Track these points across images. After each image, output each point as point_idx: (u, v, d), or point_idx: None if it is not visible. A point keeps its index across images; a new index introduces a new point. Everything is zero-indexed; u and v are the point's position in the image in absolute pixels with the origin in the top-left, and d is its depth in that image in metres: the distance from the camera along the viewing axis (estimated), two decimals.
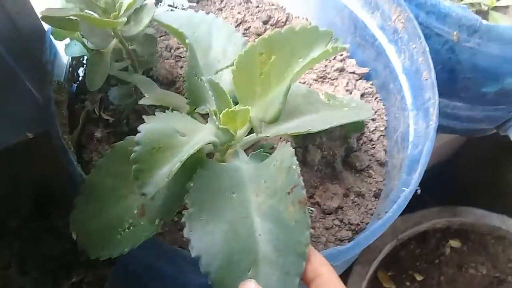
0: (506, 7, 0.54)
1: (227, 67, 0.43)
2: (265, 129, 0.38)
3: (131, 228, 0.33)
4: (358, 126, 0.49)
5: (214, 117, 0.33)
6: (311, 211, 0.44)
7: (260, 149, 0.38)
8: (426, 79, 0.44)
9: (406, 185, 0.40)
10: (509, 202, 1.30)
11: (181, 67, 0.51)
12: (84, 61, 0.49)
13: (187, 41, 0.36)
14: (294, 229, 0.30)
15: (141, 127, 0.29)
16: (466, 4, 0.52)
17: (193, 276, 0.36)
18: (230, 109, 0.33)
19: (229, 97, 0.35)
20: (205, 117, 0.40)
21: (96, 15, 0.34)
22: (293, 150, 0.32)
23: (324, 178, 0.48)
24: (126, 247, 0.32)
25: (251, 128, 0.37)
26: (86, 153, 0.45)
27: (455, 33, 0.46)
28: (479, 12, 0.53)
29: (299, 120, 0.39)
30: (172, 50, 0.53)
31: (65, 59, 0.47)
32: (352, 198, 0.47)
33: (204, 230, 0.30)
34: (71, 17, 0.36)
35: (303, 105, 0.40)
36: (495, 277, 1.22)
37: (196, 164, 0.32)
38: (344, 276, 1.13)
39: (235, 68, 0.35)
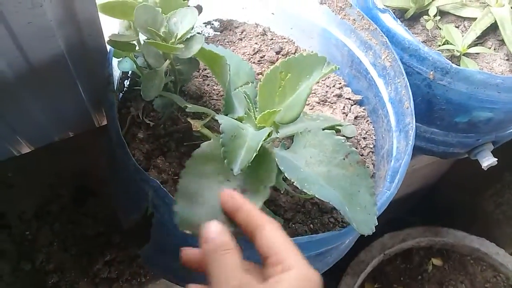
0: (477, 53, 0.65)
1: (242, 85, 0.55)
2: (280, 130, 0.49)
3: None
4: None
5: (253, 118, 0.45)
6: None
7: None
8: (407, 108, 0.55)
9: (388, 189, 0.51)
10: (483, 227, 1.39)
11: (208, 84, 0.62)
12: (129, 75, 0.60)
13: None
14: (358, 178, 0.45)
15: (220, 120, 0.40)
16: (442, 49, 0.63)
17: None
18: (268, 111, 0.44)
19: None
20: None
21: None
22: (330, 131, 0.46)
23: None
24: None
25: None
26: (130, 150, 0.55)
27: (431, 72, 0.57)
28: (454, 57, 0.65)
29: (296, 126, 0.50)
30: (200, 71, 0.63)
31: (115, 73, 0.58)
32: None
33: None
34: (132, 41, 0.47)
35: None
36: None
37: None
38: (333, 287, 1.21)
39: (263, 83, 0.46)
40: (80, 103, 0.60)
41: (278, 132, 0.49)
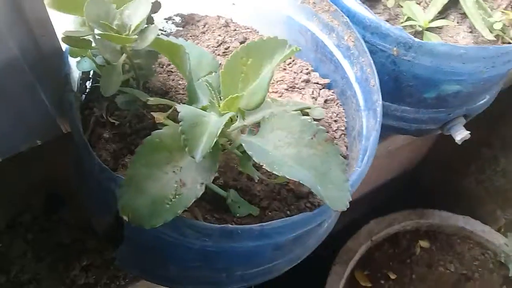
0: (440, 28, 0.65)
1: (205, 75, 0.53)
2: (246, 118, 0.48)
3: (177, 196, 0.41)
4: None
5: (216, 105, 0.44)
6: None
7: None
8: (373, 85, 0.54)
9: (359, 167, 0.50)
10: (467, 205, 1.41)
11: (173, 79, 0.61)
12: (90, 75, 0.59)
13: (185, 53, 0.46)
14: (328, 156, 0.44)
15: (179, 109, 0.40)
16: (405, 26, 0.63)
17: (194, 240, 0.45)
18: (230, 96, 0.43)
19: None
20: None
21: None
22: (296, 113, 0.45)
23: None
24: (178, 210, 0.40)
25: None
26: (96, 151, 0.54)
27: (395, 49, 0.57)
28: (417, 33, 0.65)
29: (264, 112, 0.49)
30: (164, 66, 0.62)
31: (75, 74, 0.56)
32: None
33: None
34: (86, 37, 0.46)
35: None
36: (463, 274, 1.31)
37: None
38: (323, 276, 1.21)
39: (224, 70, 0.45)
40: (43, 108, 0.59)
41: (245, 119, 0.49)
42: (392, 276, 1.31)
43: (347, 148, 0.61)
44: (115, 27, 0.44)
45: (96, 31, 0.46)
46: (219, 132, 0.40)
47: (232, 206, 0.52)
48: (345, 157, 0.60)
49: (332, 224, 0.62)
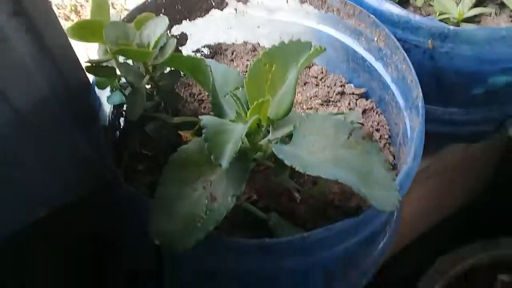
0: (478, 20, 0.61)
1: (231, 91, 0.52)
2: (275, 131, 0.45)
3: (208, 212, 0.38)
4: None
5: (243, 115, 0.42)
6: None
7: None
8: (411, 81, 0.51)
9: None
10: None
11: (204, 107, 0.60)
12: (123, 111, 0.59)
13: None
14: (369, 155, 0.40)
15: (201, 118, 0.38)
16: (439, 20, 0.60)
17: (232, 263, 0.42)
18: (256, 102, 0.41)
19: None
20: None
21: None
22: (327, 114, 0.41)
23: None
24: (210, 226, 0.38)
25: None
26: (133, 186, 0.53)
27: (429, 41, 0.53)
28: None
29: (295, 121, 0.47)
30: (195, 96, 0.62)
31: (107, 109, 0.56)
32: None
33: None
34: (109, 64, 0.46)
35: (292, 116, 0.47)
36: None
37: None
38: None
39: (248, 79, 0.43)
40: (84, 154, 0.59)
41: (275, 130, 0.46)
42: None
43: (394, 158, 0.57)
44: (135, 47, 0.43)
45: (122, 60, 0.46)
46: (243, 135, 0.37)
47: (275, 229, 0.48)
48: (393, 166, 0.56)
49: (389, 243, 0.56)
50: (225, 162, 0.36)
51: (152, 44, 0.43)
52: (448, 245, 1.24)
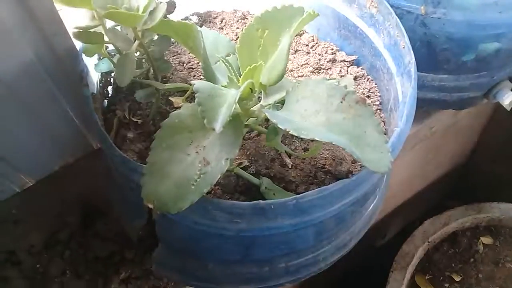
0: None
1: (222, 56, 0.52)
2: (267, 97, 0.45)
3: (201, 176, 0.38)
4: None
5: (235, 81, 0.42)
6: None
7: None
8: (404, 47, 0.50)
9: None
10: None
11: (194, 76, 0.59)
12: (111, 80, 0.58)
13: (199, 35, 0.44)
14: (362, 119, 0.40)
15: (193, 83, 0.38)
16: None
17: (227, 225, 0.42)
18: (248, 68, 0.40)
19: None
20: None
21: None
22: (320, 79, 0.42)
23: None
24: (203, 189, 0.37)
25: None
26: (122, 152, 0.52)
27: (422, 7, 0.53)
28: None
29: (287, 87, 0.46)
30: (185, 64, 0.61)
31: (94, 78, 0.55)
32: (359, 163, 0.53)
33: None
34: (97, 30, 0.45)
35: (284, 83, 0.47)
36: None
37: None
38: (381, 285, 1.14)
39: (239, 44, 0.42)
40: (69, 122, 0.58)
41: (267, 96, 0.46)
42: (457, 278, 1.22)
43: (384, 123, 0.57)
44: (123, 10, 0.42)
45: (110, 25, 0.45)
46: (237, 98, 0.37)
47: (267, 194, 0.48)
48: (384, 133, 0.56)
49: (378, 206, 0.57)
50: (218, 126, 0.36)
51: (141, 8, 0.42)
52: (433, 210, 1.27)
